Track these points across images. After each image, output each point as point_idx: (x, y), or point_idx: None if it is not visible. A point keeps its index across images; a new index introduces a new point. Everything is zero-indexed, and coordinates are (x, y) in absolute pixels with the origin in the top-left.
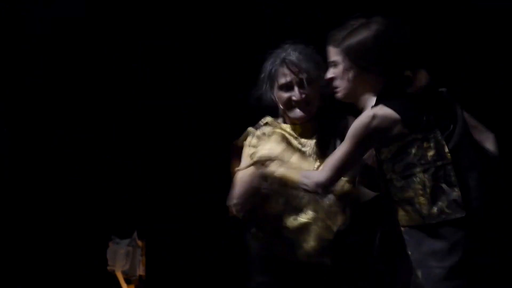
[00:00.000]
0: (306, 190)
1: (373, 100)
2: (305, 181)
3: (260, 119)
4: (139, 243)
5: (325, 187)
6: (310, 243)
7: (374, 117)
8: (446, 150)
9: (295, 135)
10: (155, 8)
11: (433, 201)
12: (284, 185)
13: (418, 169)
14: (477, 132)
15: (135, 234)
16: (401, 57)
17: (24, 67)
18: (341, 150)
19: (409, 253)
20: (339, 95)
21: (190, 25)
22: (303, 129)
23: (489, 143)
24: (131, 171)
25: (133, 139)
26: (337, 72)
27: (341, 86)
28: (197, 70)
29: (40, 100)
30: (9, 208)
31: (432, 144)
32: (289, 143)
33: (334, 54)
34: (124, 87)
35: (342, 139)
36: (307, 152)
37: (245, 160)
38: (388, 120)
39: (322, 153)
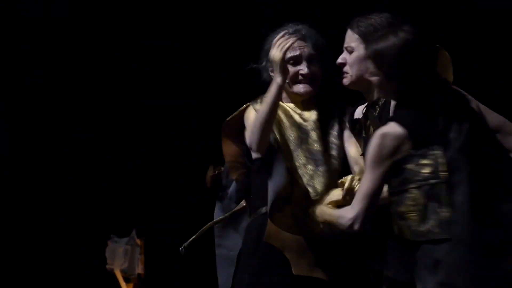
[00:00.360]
0: (345, 230)
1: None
2: (341, 221)
3: None
4: (138, 241)
5: (361, 221)
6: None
7: (384, 135)
8: (443, 168)
9: (298, 111)
10: (155, 8)
11: (423, 219)
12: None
13: (412, 185)
14: (502, 133)
15: (133, 233)
16: (421, 67)
17: (24, 67)
18: (365, 179)
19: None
20: (346, 81)
21: (189, 24)
22: (304, 106)
23: None
24: (130, 170)
25: (132, 139)
26: (351, 58)
27: (350, 73)
28: (196, 70)
29: (39, 99)
30: (7, 208)
31: (429, 162)
32: (291, 118)
33: (353, 40)
34: (124, 87)
35: (341, 122)
36: (309, 128)
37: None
38: (398, 138)
39: (323, 130)
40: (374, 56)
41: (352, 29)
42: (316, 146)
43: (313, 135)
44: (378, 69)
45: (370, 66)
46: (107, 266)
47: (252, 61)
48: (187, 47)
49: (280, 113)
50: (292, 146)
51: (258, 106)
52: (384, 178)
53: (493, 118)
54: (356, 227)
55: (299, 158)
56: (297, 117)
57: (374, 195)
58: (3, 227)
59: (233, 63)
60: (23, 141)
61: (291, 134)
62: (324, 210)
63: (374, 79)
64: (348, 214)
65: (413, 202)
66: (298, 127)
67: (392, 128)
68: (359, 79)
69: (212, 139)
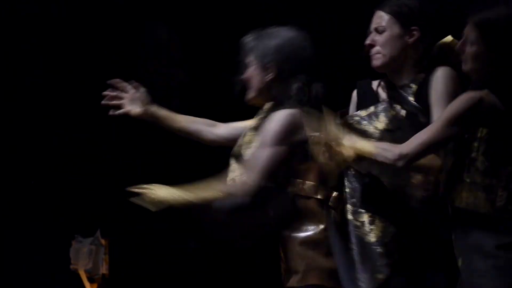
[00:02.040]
0: (383, 162)
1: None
2: (384, 153)
3: None
4: (102, 241)
5: (410, 160)
6: None
7: (481, 99)
8: None
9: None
10: (155, 8)
11: (511, 198)
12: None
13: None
14: None
15: (98, 233)
16: None
17: (24, 67)
18: (436, 126)
19: (453, 237)
20: (377, 62)
21: (189, 24)
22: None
23: None
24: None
25: (102, 138)
26: (383, 37)
27: (383, 53)
28: (196, 70)
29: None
30: None
31: None
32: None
33: (384, 20)
34: None
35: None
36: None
37: None
38: (491, 105)
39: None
40: (479, 25)
41: (382, 9)
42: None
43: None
44: (481, 38)
45: (471, 34)
46: (71, 266)
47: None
48: (187, 47)
49: None
50: None
51: None
52: (450, 138)
53: None
54: (400, 163)
55: None
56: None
57: (433, 146)
58: None
59: (232, 63)
60: None
61: None
62: (356, 142)
63: (473, 49)
64: (397, 149)
65: (506, 179)
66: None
67: (490, 97)
68: (393, 59)
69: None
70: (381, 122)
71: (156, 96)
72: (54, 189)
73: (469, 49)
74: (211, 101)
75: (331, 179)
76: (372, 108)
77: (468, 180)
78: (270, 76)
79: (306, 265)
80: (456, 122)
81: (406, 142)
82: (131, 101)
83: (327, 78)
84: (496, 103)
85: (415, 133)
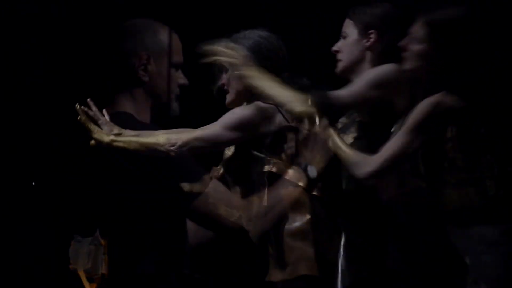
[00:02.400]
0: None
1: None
2: (355, 169)
3: None
4: (102, 241)
5: (377, 176)
6: None
7: (437, 104)
8: None
9: None
10: (154, 8)
11: (499, 183)
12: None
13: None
14: None
15: (97, 233)
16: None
17: (24, 67)
18: (401, 138)
19: (453, 240)
20: (338, 69)
21: (189, 24)
22: None
23: None
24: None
25: None
26: (344, 43)
27: (343, 59)
28: (195, 70)
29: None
30: None
31: None
32: None
33: (347, 26)
34: None
35: None
36: None
37: None
38: (449, 110)
39: None
40: (430, 23)
41: (348, 16)
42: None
43: None
44: (430, 37)
45: (420, 32)
46: (71, 266)
47: None
48: (187, 46)
49: None
50: None
51: None
52: (417, 148)
53: None
54: (368, 182)
55: None
56: None
57: (399, 158)
58: None
59: None
60: None
61: None
62: (338, 143)
63: (419, 47)
64: (366, 167)
65: (489, 167)
66: None
67: (449, 98)
68: (351, 63)
69: None
70: (352, 132)
71: None
72: (54, 189)
73: (416, 47)
74: (211, 102)
75: (317, 168)
76: (344, 118)
77: (453, 180)
78: None
79: (296, 256)
80: (420, 131)
81: (374, 158)
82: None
83: (326, 78)
84: (454, 102)
85: (378, 140)
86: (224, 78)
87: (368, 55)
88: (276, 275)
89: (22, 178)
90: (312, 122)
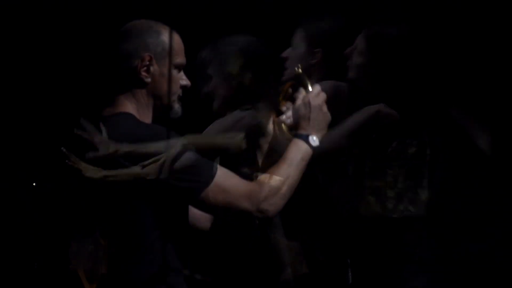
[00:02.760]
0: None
1: None
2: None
3: None
4: (102, 241)
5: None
6: None
7: (378, 112)
8: (428, 152)
9: None
10: (154, 8)
11: (400, 197)
12: None
13: (395, 163)
14: (471, 128)
15: (97, 233)
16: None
17: (24, 67)
18: (337, 134)
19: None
20: (285, 77)
21: (187, 23)
22: None
23: (483, 141)
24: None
25: None
26: (291, 53)
27: (289, 69)
28: (194, 69)
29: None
30: None
31: (415, 142)
32: None
33: (296, 35)
34: None
35: None
36: None
37: None
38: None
39: None
40: (370, 37)
41: (300, 26)
42: None
43: None
44: (368, 50)
45: (361, 45)
46: (70, 266)
47: None
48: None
49: None
50: None
51: None
52: (346, 148)
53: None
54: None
55: None
56: None
57: (331, 154)
58: None
59: None
60: None
61: None
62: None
63: (359, 59)
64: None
65: (393, 179)
66: None
67: (383, 108)
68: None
69: None
70: None
71: None
72: (54, 189)
73: (356, 58)
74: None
75: None
76: None
77: (359, 186)
78: (235, 83)
79: (293, 257)
80: (355, 133)
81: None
82: None
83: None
84: (391, 113)
85: None
86: (211, 84)
87: (313, 72)
88: (276, 276)
89: (22, 178)
90: None
